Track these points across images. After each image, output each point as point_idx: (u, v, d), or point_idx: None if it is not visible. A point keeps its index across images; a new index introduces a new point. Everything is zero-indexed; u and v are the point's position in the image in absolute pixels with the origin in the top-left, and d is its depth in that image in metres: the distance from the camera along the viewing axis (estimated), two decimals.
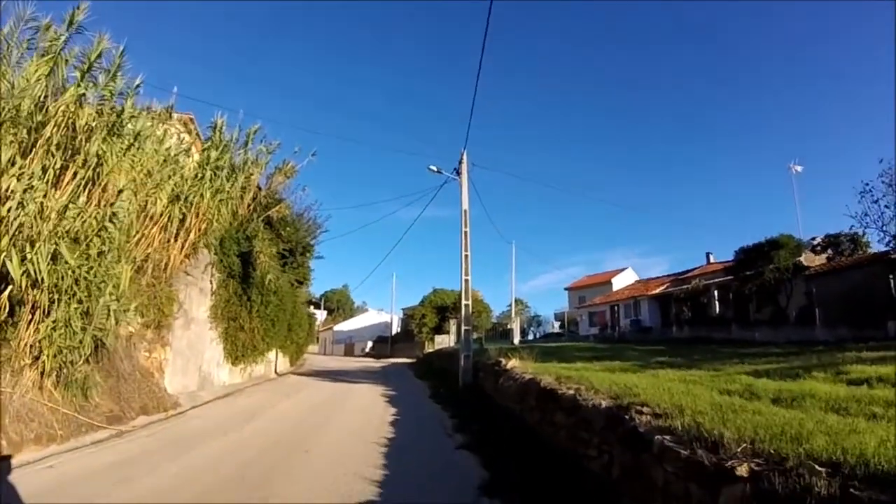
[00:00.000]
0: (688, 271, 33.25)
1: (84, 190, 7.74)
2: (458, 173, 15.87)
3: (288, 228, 19.45)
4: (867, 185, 16.45)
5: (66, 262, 6.58)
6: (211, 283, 13.01)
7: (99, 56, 8.10)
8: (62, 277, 6.58)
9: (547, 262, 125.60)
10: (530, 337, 51.20)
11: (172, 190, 10.32)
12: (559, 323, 50.78)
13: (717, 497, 2.81)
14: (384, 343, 48.35)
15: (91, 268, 6.99)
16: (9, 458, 5.40)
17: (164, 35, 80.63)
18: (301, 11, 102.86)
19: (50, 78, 7.59)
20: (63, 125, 7.60)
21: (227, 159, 13.19)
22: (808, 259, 21.62)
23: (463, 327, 14.67)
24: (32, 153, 7.09)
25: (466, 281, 14.98)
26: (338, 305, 78.41)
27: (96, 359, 7.53)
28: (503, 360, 10.62)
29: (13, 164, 6.47)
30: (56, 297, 6.55)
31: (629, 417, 4.23)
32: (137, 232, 9.24)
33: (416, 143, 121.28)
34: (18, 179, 6.40)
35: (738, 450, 2.94)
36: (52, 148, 7.30)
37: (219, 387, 13.01)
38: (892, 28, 44.07)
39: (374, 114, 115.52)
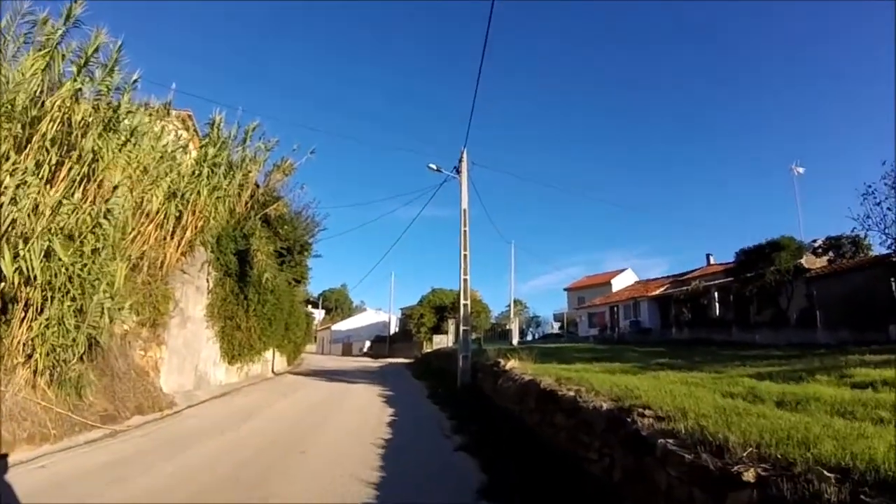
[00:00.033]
0: (688, 272, 33.22)
1: (79, 186, 7.64)
2: (458, 172, 15.81)
3: (286, 226, 19.35)
4: (869, 187, 16.37)
5: (60, 259, 6.49)
6: (207, 281, 12.93)
7: (96, 51, 8.00)
8: (56, 275, 6.49)
9: (546, 263, 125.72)
10: (529, 338, 50.98)
11: (169, 187, 10.24)
12: (558, 324, 50.58)
13: (722, 502, 2.74)
14: (382, 343, 48.35)
15: (85, 265, 6.91)
16: (5, 456, 5.36)
17: (164, 35, 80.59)
18: (301, 11, 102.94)
19: (46, 72, 7.51)
20: (59, 120, 7.50)
21: (224, 156, 13.06)
22: (809, 261, 21.57)
23: (461, 327, 14.58)
24: (27, 148, 7.00)
25: (465, 281, 14.91)
26: (336, 305, 78.27)
27: (90, 357, 7.45)
28: (502, 361, 10.56)
29: (7, 160, 6.40)
30: (49, 294, 6.47)
31: (631, 420, 4.17)
32: (133, 229, 9.12)
33: (415, 143, 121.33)
34: (12, 175, 6.33)
35: (744, 454, 2.89)
36: (47, 143, 7.20)
37: (215, 386, 12.94)
38: (892, 28, 44.05)
39: (374, 113, 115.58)
